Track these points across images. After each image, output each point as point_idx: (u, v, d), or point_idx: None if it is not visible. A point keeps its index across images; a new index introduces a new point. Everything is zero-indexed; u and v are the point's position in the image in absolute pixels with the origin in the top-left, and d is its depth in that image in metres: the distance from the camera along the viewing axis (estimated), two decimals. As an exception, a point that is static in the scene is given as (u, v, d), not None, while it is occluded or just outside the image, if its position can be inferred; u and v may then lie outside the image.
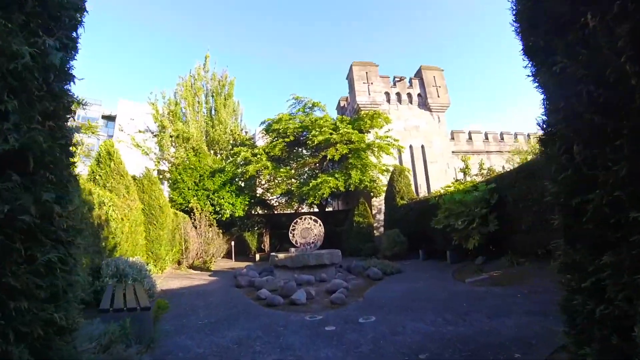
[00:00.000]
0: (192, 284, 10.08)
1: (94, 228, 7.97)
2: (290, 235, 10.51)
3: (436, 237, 13.13)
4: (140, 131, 23.13)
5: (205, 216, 14.93)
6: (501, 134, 30.23)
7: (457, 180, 16.49)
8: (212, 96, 25.53)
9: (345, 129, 16.48)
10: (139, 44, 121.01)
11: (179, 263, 14.01)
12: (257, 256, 18.20)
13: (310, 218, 10.68)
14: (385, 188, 17.78)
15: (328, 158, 17.06)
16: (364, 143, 17.00)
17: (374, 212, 18.90)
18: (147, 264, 11.83)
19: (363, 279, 9.10)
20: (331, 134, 16.48)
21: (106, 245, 8.70)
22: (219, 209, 17.16)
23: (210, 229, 14.92)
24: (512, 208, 9.25)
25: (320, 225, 10.61)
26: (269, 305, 6.46)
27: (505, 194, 9.59)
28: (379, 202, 19.39)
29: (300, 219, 10.66)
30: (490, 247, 10.20)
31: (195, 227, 14.58)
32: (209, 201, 17.13)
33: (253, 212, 23.46)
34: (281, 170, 17.03)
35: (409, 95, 23.94)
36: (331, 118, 18.97)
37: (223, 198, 17.26)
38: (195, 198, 16.85)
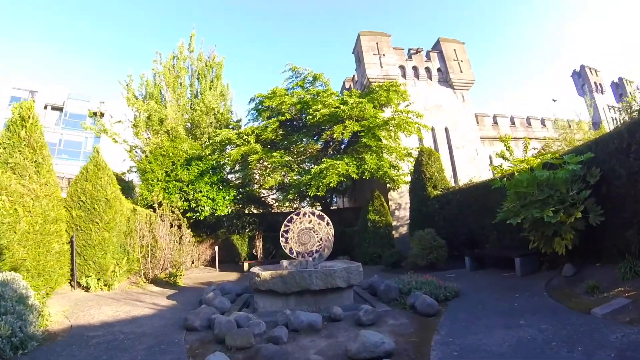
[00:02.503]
0: (127, 315, 6.46)
1: None
2: (281, 239, 6.74)
3: (489, 238, 9.50)
4: (115, 120, 19.35)
5: (172, 213, 11.21)
6: (528, 119, 26.75)
7: (499, 166, 12.69)
8: (197, 79, 21.89)
9: (356, 100, 12.71)
10: (131, 39, 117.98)
11: (145, 275, 10.38)
12: (246, 265, 14.40)
13: (313, 214, 6.94)
14: (405, 178, 14.06)
15: (335, 138, 13.27)
16: (380, 119, 13.19)
17: (391, 207, 15.14)
18: (89, 278, 8.54)
19: (405, 314, 5.32)
20: (337, 107, 12.73)
21: (-34, 253, 5.12)
22: (194, 205, 13.36)
23: (180, 230, 11.21)
24: (624, 186, 5.81)
25: (328, 224, 6.86)
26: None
27: (610, 167, 6.07)
28: (398, 195, 15.64)
29: (298, 215, 6.90)
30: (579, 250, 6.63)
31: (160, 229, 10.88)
32: (182, 195, 13.34)
33: (247, 211, 19.75)
34: (274, 154, 13.18)
35: (428, 69, 20.21)
36: (337, 92, 15.23)
37: (200, 192, 13.43)
38: (164, 191, 13.09)
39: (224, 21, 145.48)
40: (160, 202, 11.51)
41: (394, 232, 13.85)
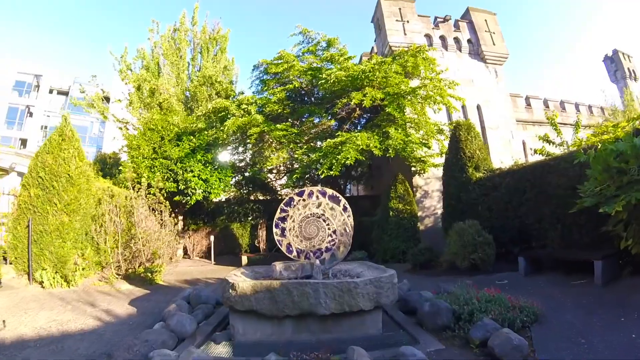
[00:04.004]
0: (58, 330, 4.66)
1: None
2: (275, 230, 4.61)
3: (548, 232, 7.30)
4: (115, 99, 17.59)
5: (153, 195, 9.19)
6: (562, 103, 23.95)
7: (540, 150, 10.25)
8: (200, 52, 19.75)
9: (378, 60, 10.43)
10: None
11: (117, 270, 8.51)
12: (244, 259, 12.35)
13: (323, 194, 4.78)
14: (434, 160, 11.80)
15: (351, 113, 11.03)
16: (407, 86, 10.85)
17: (416, 196, 12.87)
18: (44, 272, 7.15)
19: (471, 358, 3.21)
20: (356, 71, 10.45)
21: None
22: (183, 186, 11.27)
23: (161, 216, 9.19)
24: None
25: (345, 210, 4.69)
26: None
27: None
28: (424, 181, 13.35)
29: (300, 195, 4.76)
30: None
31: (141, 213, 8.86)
32: (170, 175, 11.25)
33: (252, 197, 17.73)
34: (278, 127, 10.97)
35: (457, 40, 17.66)
36: (354, 56, 12.95)
37: (191, 171, 11.32)
38: (149, 170, 11.05)
39: None
40: (139, 181, 9.49)
41: (419, 224, 11.63)
